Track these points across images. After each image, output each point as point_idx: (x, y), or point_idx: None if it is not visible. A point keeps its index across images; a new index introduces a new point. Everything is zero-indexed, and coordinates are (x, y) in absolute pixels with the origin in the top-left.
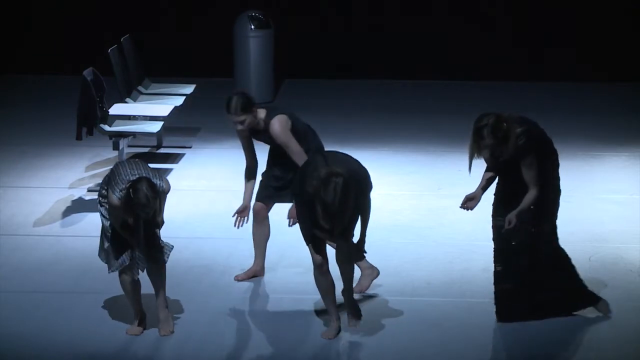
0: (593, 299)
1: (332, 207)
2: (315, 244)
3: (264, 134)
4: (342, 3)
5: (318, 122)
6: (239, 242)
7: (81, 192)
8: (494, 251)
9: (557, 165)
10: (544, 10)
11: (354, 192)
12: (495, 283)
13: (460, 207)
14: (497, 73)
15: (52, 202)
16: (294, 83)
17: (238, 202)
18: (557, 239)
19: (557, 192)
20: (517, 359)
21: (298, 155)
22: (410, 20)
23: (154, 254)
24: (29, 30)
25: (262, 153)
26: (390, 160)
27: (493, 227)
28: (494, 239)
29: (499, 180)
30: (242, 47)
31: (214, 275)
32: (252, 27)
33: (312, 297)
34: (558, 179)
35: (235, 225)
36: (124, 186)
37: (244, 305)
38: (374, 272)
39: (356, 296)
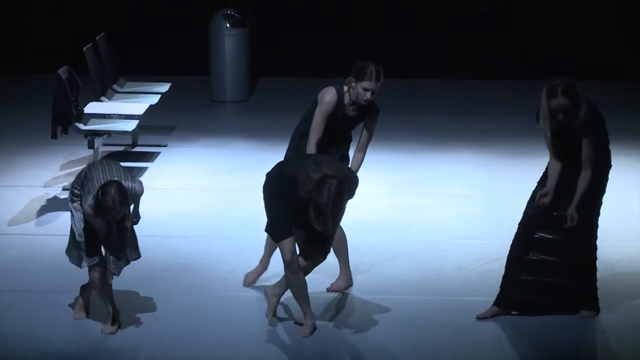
0: (590, 307)
1: (326, 208)
2: (287, 241)
3: (356, 116)
4: (320, 1)
5: (293, 120)
6: (215, 241)
7: (56, 191)
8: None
9: (610, 161)
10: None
11: (347, 195)
12: (505, 267)
13: (535, 203)
14: (477, 72)
15: (27, 200)
16: (270, 81)
17: (213, 201)
18: (594, 238)
19: (604, 187)
20: (491, 357)
21: (366, 146)
22: (390, 19)
23: (122, 263)
24: (7, 30)
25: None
26: (366, 158)
27: (530, 200)
28: (526, 211)
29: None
30: (217, 46)
31: (189, 274)
32: (228, 25)
33: (286, 296)
34: (608, 173)
35: None
36: (95, 193)
37: (220, 304)
38: (349, 281)
39: (333, 294)
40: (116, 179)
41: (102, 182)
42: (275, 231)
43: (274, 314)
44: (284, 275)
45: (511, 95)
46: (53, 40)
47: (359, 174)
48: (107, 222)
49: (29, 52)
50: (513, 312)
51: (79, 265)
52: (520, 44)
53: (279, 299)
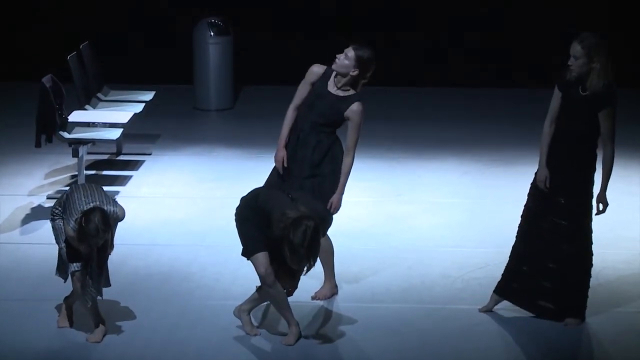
0: (576, 314)
1: (300, 249)
2: (260, 255)
3: (337, 98)
4: (303, 9)
5: (275, 128)
6: (200, 249)
7: (41, 200)
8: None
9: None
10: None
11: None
12: (509, 257)
13: (542, 187)
14: (461, 80)
15: (11, 209)
16: (254, 89)
17: (198, 209)
18: (589, 237)
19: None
20: None
21: (353, 149)
22: (373, 22)
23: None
24: None
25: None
26: None
27: (529, 192)
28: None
29: (556, 130)
30: (201, 54)
31: (173, 282)
32: (212, 34)
33: (267, 303)
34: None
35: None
36: (77, 217)
37: (205, 312)
38: (334, 289)
39: (318, 303)
40: (98, 203)
41: (84, 206)
42: (248, 247)
43: (252, 326)
44: (256, 292)
45: (495, 104)
46: (37, 49)
47: (347, 196)
48: (88, 246)
49: (13, 60)
50: (510, 301)
51: (64, 277)
52: (504, 53)
53: (249, 313)
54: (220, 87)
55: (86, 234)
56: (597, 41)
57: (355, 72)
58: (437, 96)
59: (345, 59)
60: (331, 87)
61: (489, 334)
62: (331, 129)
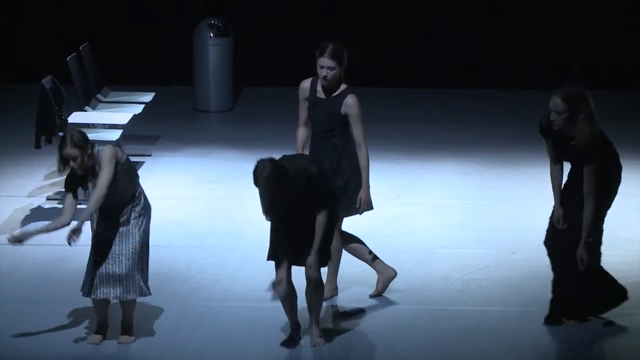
0: (620, 297)
1: (258, 189)
2: (279, 260)
3: (328, 101)
4: (302, 12)
5: (275, 129)
6: (200, 251)
7: (40, 201)
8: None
9: (619, 181)
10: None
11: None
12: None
13: (559, 227)
14: (460, 81)
15: (10, 210)
16: (254, 91)
17: (198, 210)
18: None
19: (609, 204)
20: None
21: (363, 141)
22: (374, 25)
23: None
24: None
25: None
26: None
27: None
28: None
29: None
30: (201, 55)
31: (174, 282)
32: (212, 35)
33: (272, 305)
34: (615, 194)
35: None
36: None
37: (205, 314)
38: (334, 290)
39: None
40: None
41: None
42: (271, 251)
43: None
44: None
45: (495, 105)
46: (37, 50)
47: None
48: (61, 162)
49: (13, 62)
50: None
51: (88, 294)
52: (504, 52)
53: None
54: (220, 89)
55: (62, 155)
56: (578, 93)
57: (339, 74)
58: (437, 97)
59: (329, 70)
60: (321, 94)
61: (489, 335)
62: (339, 130)
